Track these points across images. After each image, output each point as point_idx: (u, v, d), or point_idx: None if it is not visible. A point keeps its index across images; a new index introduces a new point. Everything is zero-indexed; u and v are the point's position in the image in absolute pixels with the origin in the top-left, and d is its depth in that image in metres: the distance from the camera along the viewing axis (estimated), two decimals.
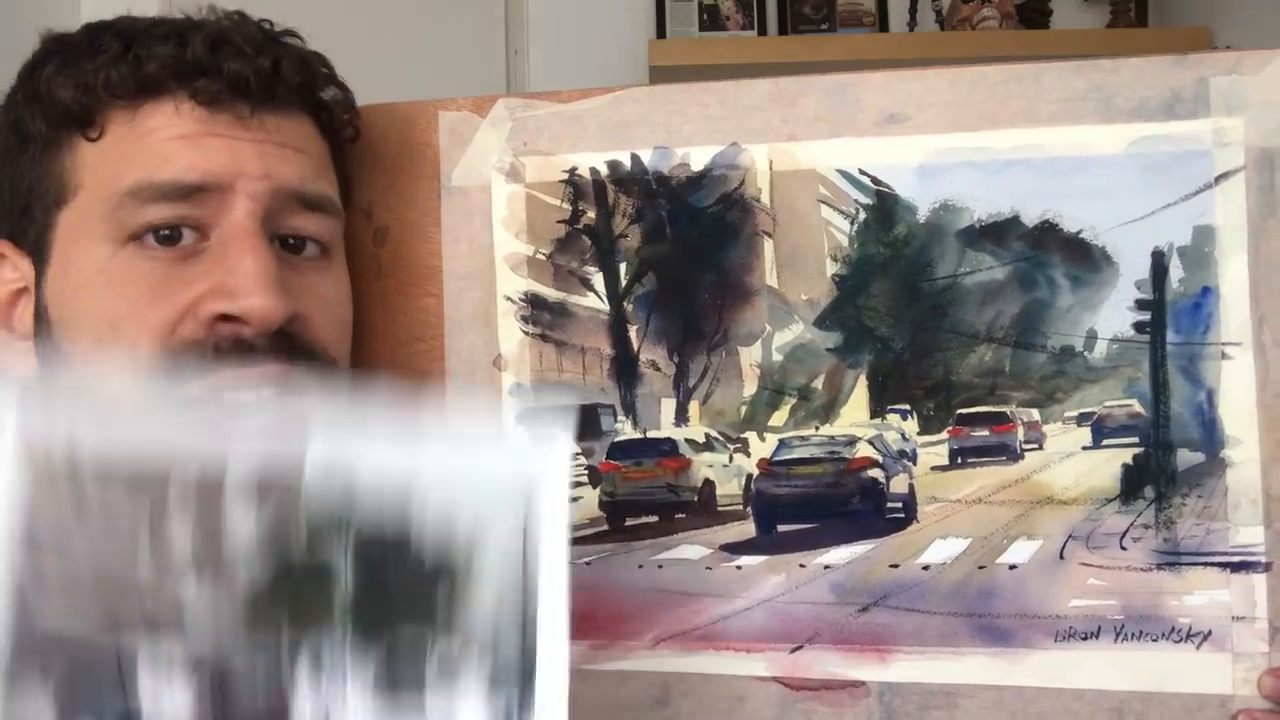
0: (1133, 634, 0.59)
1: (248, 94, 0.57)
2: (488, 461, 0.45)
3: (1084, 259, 0.61)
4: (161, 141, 0.56)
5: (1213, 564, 0.59)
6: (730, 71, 1.98)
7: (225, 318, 0.54)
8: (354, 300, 0.65)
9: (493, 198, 0.65)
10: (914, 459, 0.62)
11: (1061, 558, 0.60)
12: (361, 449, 0.44)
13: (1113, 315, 0.60)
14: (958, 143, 0.62)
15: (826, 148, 0.63)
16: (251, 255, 0.55)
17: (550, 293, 0.65)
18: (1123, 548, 0.60)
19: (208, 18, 0.60)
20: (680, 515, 0.64)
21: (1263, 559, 0.58)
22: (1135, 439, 0.60)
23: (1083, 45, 1.96)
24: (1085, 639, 0.60)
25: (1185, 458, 0.60)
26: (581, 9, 2.05)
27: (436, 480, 0.44)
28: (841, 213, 0.63)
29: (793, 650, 0.62)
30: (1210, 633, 0.59)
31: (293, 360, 0.56)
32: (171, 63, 0.56)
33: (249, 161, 0.56)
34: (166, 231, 0.55)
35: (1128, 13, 2.01)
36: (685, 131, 0.64)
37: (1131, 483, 0.60)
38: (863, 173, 0.63)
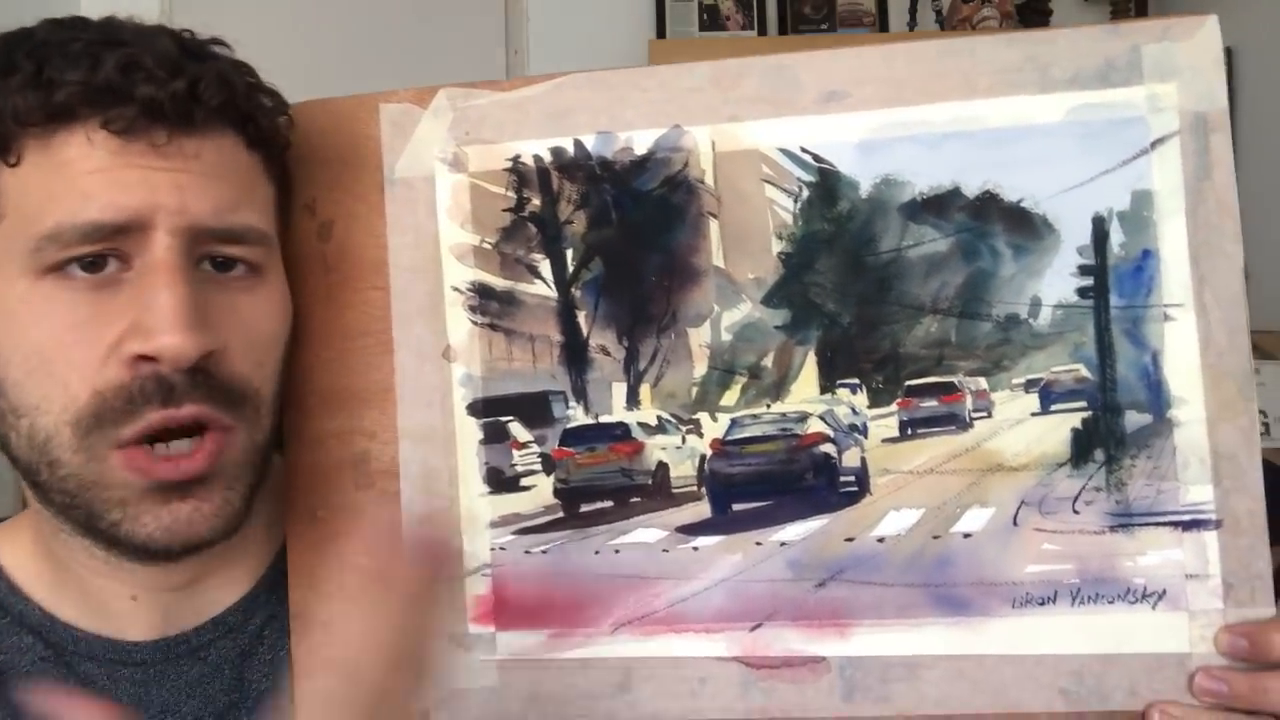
0: (1089, 597, 0.60)
1: (163, 119, 0.55)
2: None
3: (1025, 227, 0.61)
4: (77, 176, 0.54)
5: (1164, 523, 0.59)
6: None
7: (143, 357, 0.55)
8: (299, 296, 0.65)
9: (436, 188, 0.65)
10: (865, 432, 0.62)
11: (1015, 524, 0.60)
12: None
13: (1056, 282, 0.61)
14: (897, 118, 0.62)
15: (768, 127, 0.63)
16: (167, 291, 0.54)
17: (498, 281, 0.65)
18: (1075, 511, 0.60)
19: (125, 30, 0.58)
20: (635, 499, 0.64)
21: (1213, 516, 0.59)
22: (1083, 403, 0.60)
23: None
24: (1042, 604, 0.60)
25: (1133, 419, 0.60)
26: (581, 9, 2.06)
27: None
28: (785, 191, 0.63)
29: (752, 629, 0.62)
30: (1165, 592, 0.59)
31: (214, 403, 0.56)
32: (81, 90, 0.54)
33: (166, 195, 0.55)
34: (90, 260, 0.55)
35: (1128, 12, 2.02)
36: (627, 116, 0.64)
37: (1081, 446, 0.60)
38: (804, 150, 0.63)
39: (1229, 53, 1.87)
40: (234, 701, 0.65)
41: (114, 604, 0.64)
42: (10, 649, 0.64)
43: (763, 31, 2.04)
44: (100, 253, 0.55)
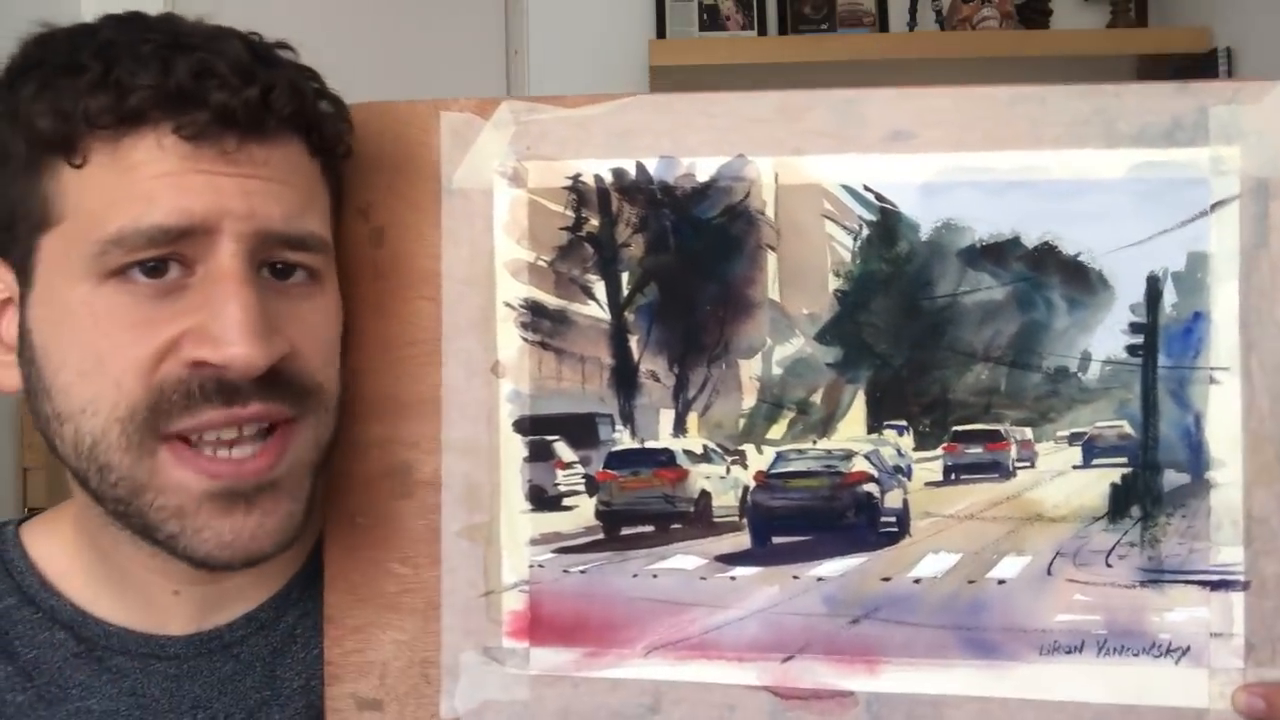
0: (1115, 649, 0.61)
1: (235, 126, 0.54)
2: None
3: (1081, 282, 0.62)
4: (144, 180, 0.54)
5: (1194, 582, 0.61)
6: (731, 71, 1.98)
7: (205, 362, 0.54)
8: (348, 302, 0.65)
9: (494, 202, 0.65)
10: (909, 474, 0.63)
11: (1049, 574, 0.62)
12: None
13: (1106, 338, 0.62)
14: (962, 162, 0.62)
15: (832, 163, 0.63)
16: (235, 301, 0.54)
17: (551, 300, 0.65)
18: (1108, 565, 0.61)
19: (194, 33, 0.56)
20: (676, 525, 0.65)
21: (1242, 578, 0.60)
22: (1124, 459, 0.62)
23: (1083, 45, 1.96)
24: (1069, 653, 0.61)
25: (1172, 478, 0.61)
26: (581, 9, 2.04)
27: None
28: (845, 228, 0.63)
29: (784, 660, 0.63)
30: (1189, 648, 0.61)
31: (281, 398, 0.56)
32: (153, 94, 0.53)
33: (233, 200, 0.54)
34: (153, 264, 0.55)
35: (1128, 12, 2.01)
36: (691, 142, 0.64)
37: (1119, 502, 0.62)
38: (867, 189, 0.63)
39: (1229, 53, 1.86)
40: (265, 699, 0.65)
41: (156, 598, 0.64)
42: (42, 644, 0.64)
43: (763, 31, 2.02)
44: (163, 257, 0.55)
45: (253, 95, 0.54)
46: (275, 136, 0.56)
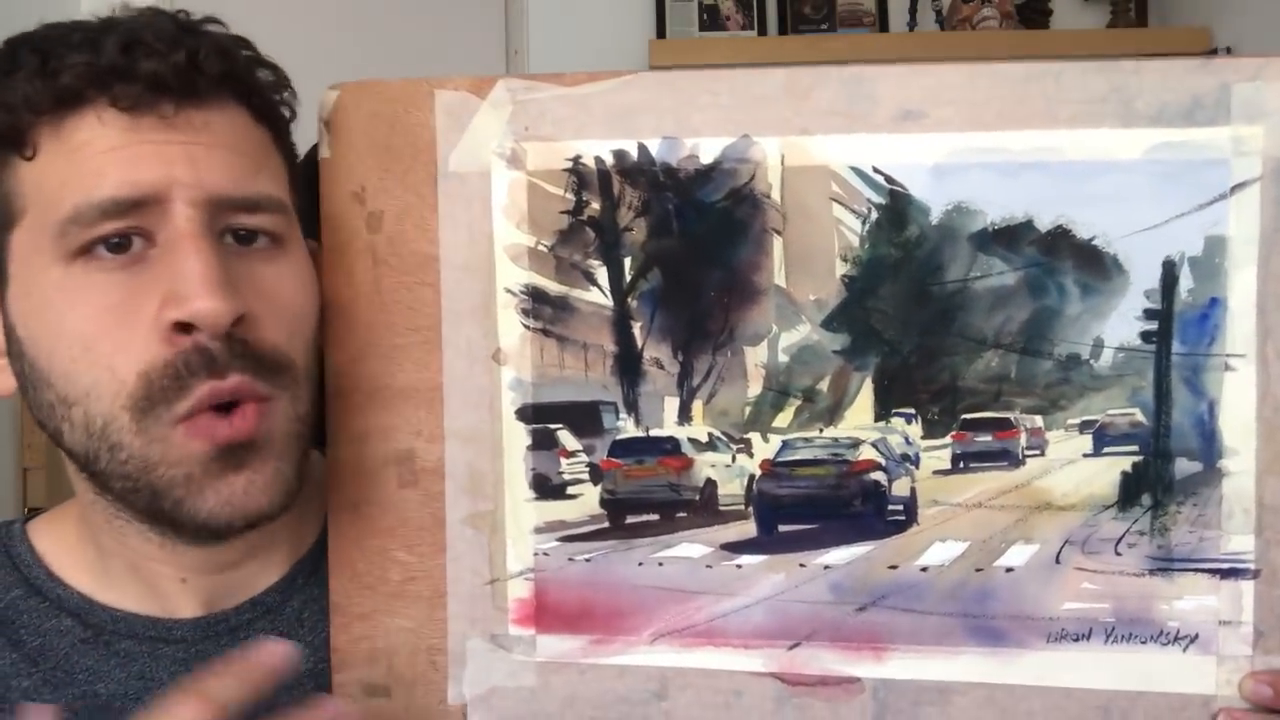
0: (1123, 636, 0.61)
1: (168, 92, 0.56)
2: None
3: (1095, 267, 0.60)
4: (91, 157, 0.55)
5: (1203, 570, 0.60)
6: None
7: (181, 326, 0.55)
8: (345, 288, 0.64)
9: (493, 185, 0.63)
10: (917, 463, 0.62)
11: (1058, 562, 0.61)
12: None
13: (1120, 324, 0.60)
14: (974, 143, 0.60)
15: (840, 143, 0.61)
16: (195, 257, 0.55)
17: (552, 286, 0.63)
18: (1117, 553, 0.61)
19: (123, 16, 0.58)
20: (681, 514, 0.64)
21: (1252, 566, 0.60)
22: (1135, 447, 0.61)
23: (1083, 45, 1.97)
24: (1077, 640, 0.61)
25: (1183, 467, 0.60)
26: (581, 9, 2.03)
27: None
28: (853, 212, 0.62)
29: (790, 647, 0.63)
30: (1197, 636, 0.60)
31: (255, 373, 0.57)
32: (85, 70, 0.55)
33: (180, 168, 0.56)
34: (116, 240, 0.56)
35: (1128, 12, 2.02)
36: (694, 121, 0.62)
37: (1129, 490, 0.61)
38: (876, 170, 0.61)
39: (1229, 53, 1.86)
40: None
41: (164, 586, 0.64)
42: (49, 631, 0.64)
43: (763, 31, 2.03)
44: (124, 231, 0.56)
45: (179, 59, 0.56)
46: (211, 100, 0.57)
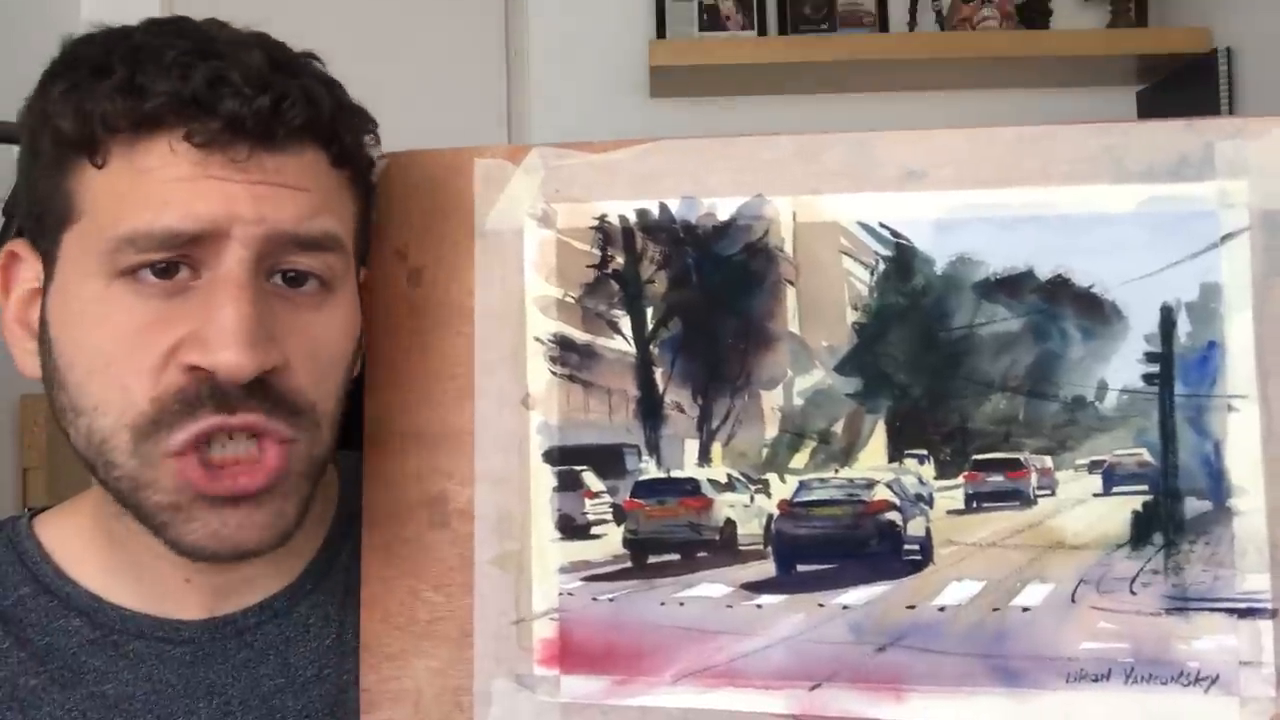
0: (1143, 676, 0.61)
1: (245, 135, 0.56)
2: None
3: (1095, 313, 0.63)
4: (157, 183, 0.56)
5: (1220, 609, 0.61)
6: (731, 72, 2.00)
7: (198, 367, 0.56)
8: (385, 338, 0.68)
9: (525, 242, 0.68)
10: (930, 503, 0.64)
11: (1073, 601, 0.62)
12: None
13: (1122, 367, 0.63)
14: (974, 199, 0.64)
15: (848, 201, 0.65)
16: (231, 307, 0.55)
17: (579, 335, 0.67)
18: (1132, 592, 0.62)
19: (221, 39, 0.58)
20: (702, 554, 0.66)
21: (1269, 605, 0.60)
22: (1145, 487, 0.62)
23: (1083, 45, 1.96)
24: (1096, 680, 0.61)
25: (1193, 505, 0.62)
26: (581, 9, 2.05)
27: None
28: (862, 263, 0.65)
29: (811, 688, 0.63)
30: (1218, 676, 0.60)
31: (270, 413, 0.58)
32: (169, 100, 0.55)
33: (244, 206, 0.56)
34: (163, 266, 0.57)
35: (1128, 13, 2.00)
36: (711, 183, 0.67)
37: (1141, 529, 0.62)
38: (883, 226, 0.65)
39: (1229, 53, 1.83)
40: (280, 686, 0.67)
41: (169, 585, 0.65)
42: (57, 630, 0.65)
43: (763, 31, 2.00)
44: (173, 259, 0.57)
45: (263, 104, 0.56)
46: (288, 146, 0.58)
